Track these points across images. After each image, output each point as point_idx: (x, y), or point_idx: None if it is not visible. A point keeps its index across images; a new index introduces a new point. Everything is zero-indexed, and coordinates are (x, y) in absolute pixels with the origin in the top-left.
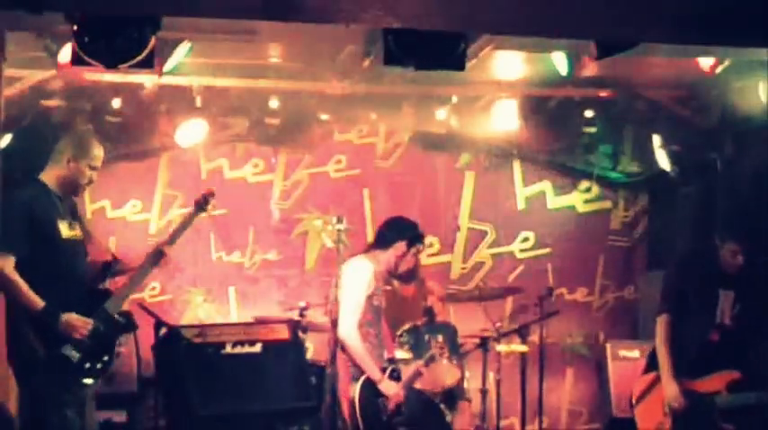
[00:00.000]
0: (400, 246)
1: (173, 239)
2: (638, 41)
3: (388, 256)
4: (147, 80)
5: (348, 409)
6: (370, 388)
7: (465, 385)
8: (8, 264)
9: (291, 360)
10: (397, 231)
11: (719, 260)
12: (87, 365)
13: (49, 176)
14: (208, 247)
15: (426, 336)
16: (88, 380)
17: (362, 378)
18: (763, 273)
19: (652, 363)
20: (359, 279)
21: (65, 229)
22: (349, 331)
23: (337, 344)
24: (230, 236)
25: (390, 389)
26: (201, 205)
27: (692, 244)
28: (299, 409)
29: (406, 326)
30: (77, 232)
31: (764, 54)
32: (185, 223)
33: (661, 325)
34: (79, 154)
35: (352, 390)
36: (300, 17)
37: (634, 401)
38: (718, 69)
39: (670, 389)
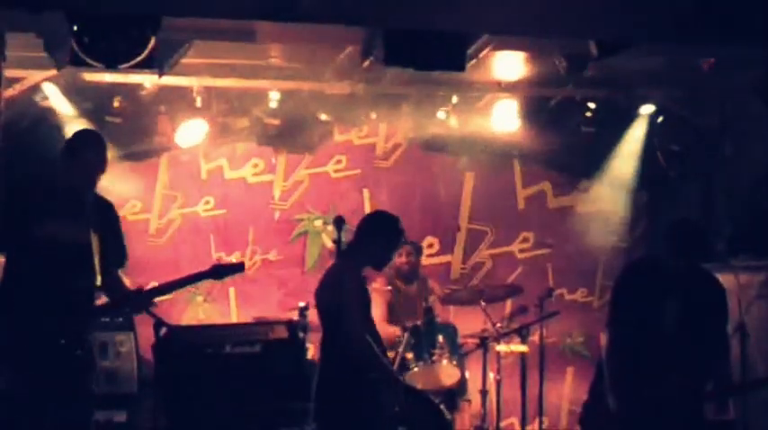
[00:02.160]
0: (383, 244)
1: (164, 290)
2: (638, 41)
3: (371, 254)
4: (147, 80)
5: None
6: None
7: (465, 385)
8: None
9: (291, 360)
10: (379, 228)
11: (663, 268)
12: None
13: (60, 171)
14: (208, 247)
15: (427, 336)
16: None
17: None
18: (708, 285)
19: (599, 376)
20: (358, 286)
21: (48, 228)
22: (362, 341)
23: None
24: (230, 236)
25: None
26: (219, 273)
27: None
28: (299, 409)
29: (407, 326)
30: (71, 234)
31: (763, 53)
32: (184, 282)
33: (607, 337)
34: (68, 153)
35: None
36: (300, 17)
37: (582, 415)
38: (718, 69)
39: (613, 402)
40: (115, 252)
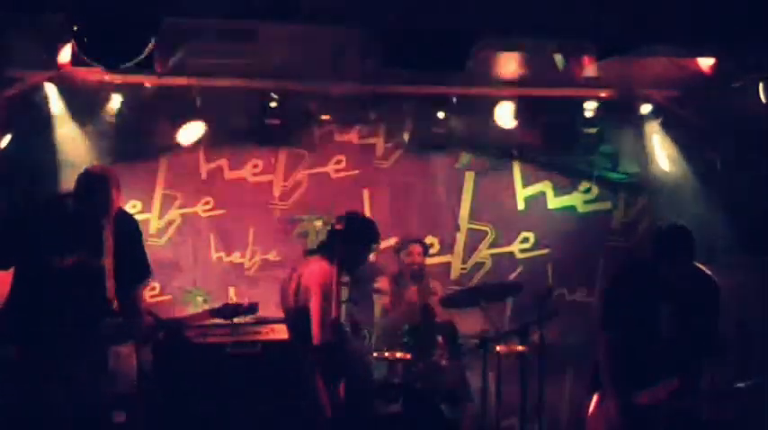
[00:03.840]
0: (356, 246)
1: (167, 325)
2: (638, 42)
3: (345, 254)
4: (146, 80)
5: (332, 406)
6: (354, 384)
7: (465, 385)
8: None
9: (291, 360)
10: (352, 231)
11: (659, 272)
12: None
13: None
14: (208, 248)
15: (427, 336)
16: None
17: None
18: (701, 284)
19: (597, 381)
20: (323, 282)
21: (56, 258)
22: (327, 338)
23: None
24: (230, 236)
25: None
26: (226, 314)
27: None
28: (298, 409)
29: (407, 327)
30: (81, 261)
31: (764, 54)
32: (199, 317)
33: (604, 341)
34: (77, 196)
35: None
36: (300, 18)
37: (585, 418)
38: (718, 69)
39: (613, 407)
40: (133, 268)
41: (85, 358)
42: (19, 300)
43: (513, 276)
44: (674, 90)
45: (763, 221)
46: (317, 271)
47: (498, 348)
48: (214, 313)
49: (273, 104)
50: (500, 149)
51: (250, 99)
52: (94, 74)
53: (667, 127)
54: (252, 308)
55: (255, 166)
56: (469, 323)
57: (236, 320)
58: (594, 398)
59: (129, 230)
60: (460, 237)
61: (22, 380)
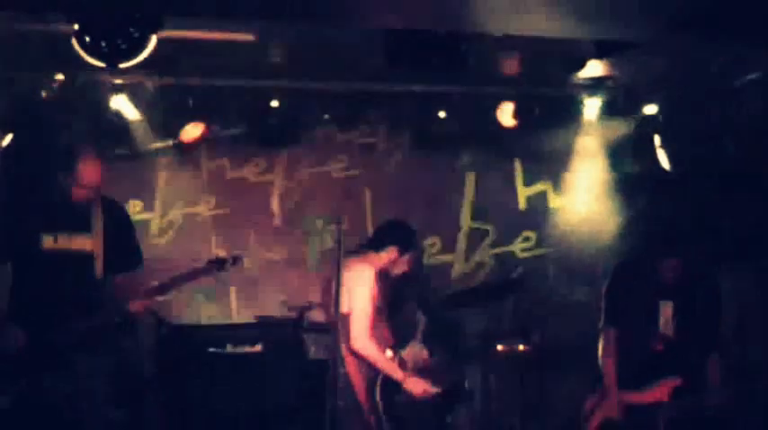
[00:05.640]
0: (392, 250)
1: (168, 288)
2: (639, 41)
3: (380, 258)
4: (146, 80)
5: (371, 411)
6: (389, 388)
7: (465, 385)
8: None
9: (292, 360)
10: (392, 235)
11: (658, 271)
12: None
13: (58, 179)
14: (209, 247)
15: (427, 336)
16: None
17: (380, 379)
18: (701, 283)
19: (598, 380)
20: (365, 286)
21: (48, 241)
22: (364, 341)
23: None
24: (231, 236)
25: (417, 385)
26: (216, 267)
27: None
28: (299, 409)
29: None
30: (71, 244)
31: (764, 53)
32: (189, 276)
33: (604, 339)
34: (64, 167)
35: (373, 393)
36: (301, 17)
37: (586, 417)
38: (719, 69)
39: (611, 404)
40: (125, 254)
41: (83, 345)
42: (18, 288)
43: (514, 276)
44: (674, 90)
45: (764, 221)
46: (364, 274)
47: (499, 348)
48: (203, 271)
49: (274, 104)
50: (501, 149)
51: (250, 99)
52: (95, 73)
53: (667, 127)
54: (237, 259)
55: (256, 166)
56: (470, 322)
57: (236, 321)
58: (595, 396)
59: (119, 215)
60: (462, 237)
61: (24, 373)
